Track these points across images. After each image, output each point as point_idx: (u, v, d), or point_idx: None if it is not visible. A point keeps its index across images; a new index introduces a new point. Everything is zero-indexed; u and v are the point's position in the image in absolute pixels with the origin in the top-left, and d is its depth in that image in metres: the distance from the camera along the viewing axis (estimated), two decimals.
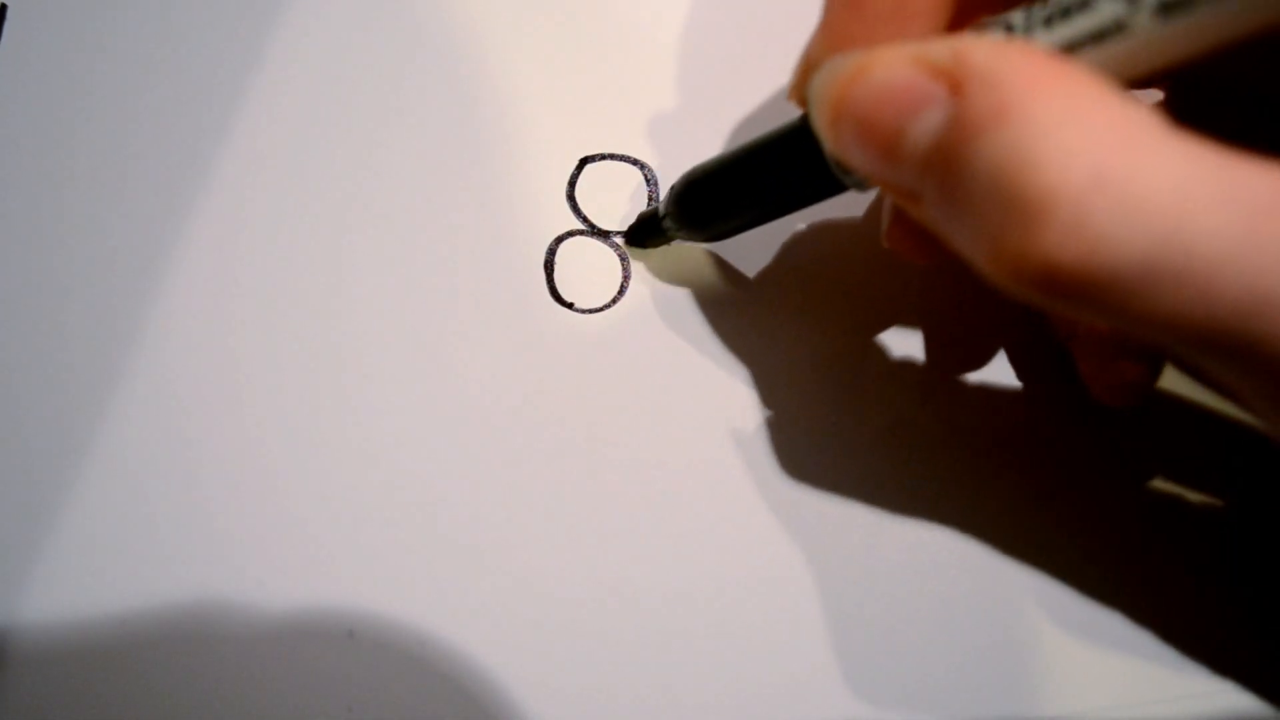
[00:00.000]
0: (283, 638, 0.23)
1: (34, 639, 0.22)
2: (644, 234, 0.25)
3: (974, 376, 0.25)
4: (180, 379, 0.24)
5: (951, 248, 0.15)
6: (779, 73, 0.27)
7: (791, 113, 0.26)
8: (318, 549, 0.23)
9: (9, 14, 0.28)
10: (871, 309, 0.25)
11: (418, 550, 0.23)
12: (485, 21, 0.27)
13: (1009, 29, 0.16)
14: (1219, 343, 0.13)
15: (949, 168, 0.14)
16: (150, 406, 0.24)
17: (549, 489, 0.24)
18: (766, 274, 0.25)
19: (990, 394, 0.25)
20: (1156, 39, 0.14)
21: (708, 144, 0.26)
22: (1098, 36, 0.14)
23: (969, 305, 0.25)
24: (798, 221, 0.26)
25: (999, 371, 0.25)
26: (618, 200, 0.26)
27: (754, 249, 0.25)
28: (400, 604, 0.23)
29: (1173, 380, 0.24)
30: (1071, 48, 0.15)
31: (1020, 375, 0.25)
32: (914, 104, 0.15)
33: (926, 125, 0.15)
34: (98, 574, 0.23)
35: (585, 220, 0.26)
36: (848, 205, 0.26)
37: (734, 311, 0.25)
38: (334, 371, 0.24)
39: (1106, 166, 0.13)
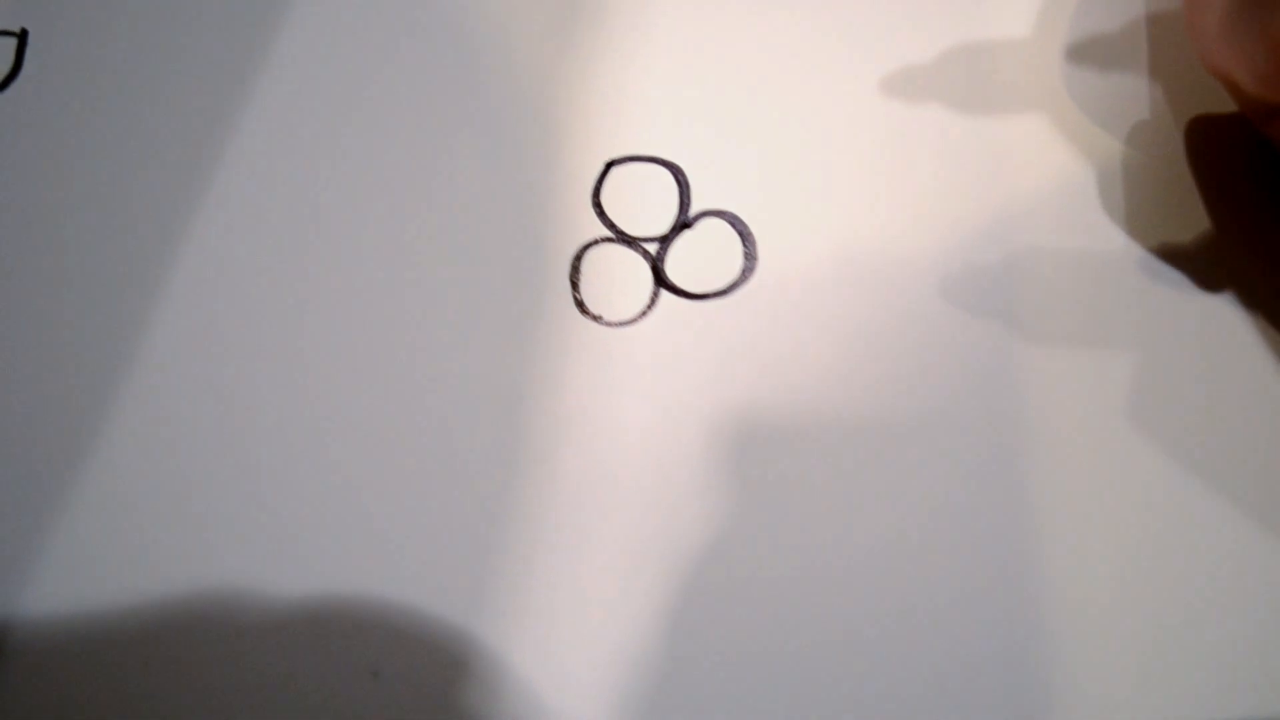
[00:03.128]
0: (285, 630, 0.22)
1: (33, 633, 0.22)
2: None
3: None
4: (183, 376, 0.24)
5: None
6: (812, 68, 0.25)
7: (821, 101, 0.24)
8: (319, 544, 0.22)
9: (30, 38, 0.27)
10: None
11: (426, 548, 0.22)
12: (503, 20, 0.26)
13: None
14: None
15: None
16: (154, 400, 0.23)
17: (581, 512, 0.22)
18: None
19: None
20: None
21: (740, 142, 0.24)
22: None
23: None
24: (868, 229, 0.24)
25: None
26: (647, 205, 0.24)
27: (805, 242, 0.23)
28: (419, 600, 0.21)
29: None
30: None
31: None
32: None
33: None
34: (98, 568, 0.22)
35: (612, 226, 0.24)
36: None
37: (784, 314, 0.23)
38: (342, 386, 0.23)
39: None
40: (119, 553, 0.22)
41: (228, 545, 0.22)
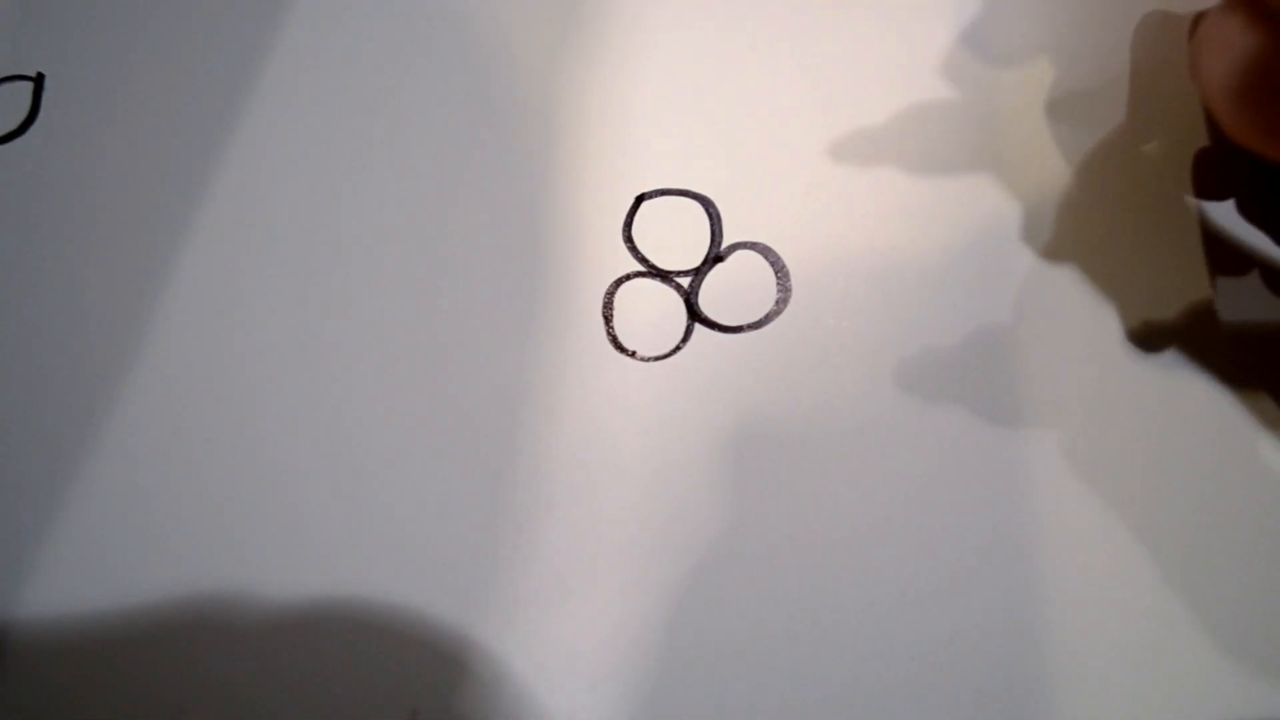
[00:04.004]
0: (289, 631, 0.21)
1: (34, 634, 0.22)
2: None
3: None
4: (187, 375, 0.23)
5: None
6: (840, 98, 0.25)
7: (852, 131, 0.24)
8: (324, 543, 0.22)
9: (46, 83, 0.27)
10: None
11: (438, 556, 0.21)
12: (530, 56, 0.26)
13: None
14: None
15: None
16: (156, 400, 0.23)
17: (614, 547, 0.22)
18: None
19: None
20: None
21: (770, 172, 0.24)
22: None
23: None
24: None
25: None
26: (678, 238, 0.24)
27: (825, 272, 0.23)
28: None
29: None
30: None
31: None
32: None
33: None
34: (98, 569, 0.22)
35: (644, 261, 0.24)
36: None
37: (816, 346, 0.23)
38: (361, 408, 0.23)
39: None
40: (119, 553, 0.22)
41: (228, 546, 0.22)
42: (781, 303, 0.23)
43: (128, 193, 0.25)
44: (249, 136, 0.26)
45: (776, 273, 0.24)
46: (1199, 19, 0.20)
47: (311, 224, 0.25)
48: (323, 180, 0.25)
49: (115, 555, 0.22)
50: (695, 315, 0.23)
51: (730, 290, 0.24)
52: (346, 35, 0.26)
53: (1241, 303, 0.22)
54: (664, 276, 0.24)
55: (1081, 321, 0.23)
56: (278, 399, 0.23)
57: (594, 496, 0.22)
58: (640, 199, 0.24)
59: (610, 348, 0.23)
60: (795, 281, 0.24)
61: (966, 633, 0.21)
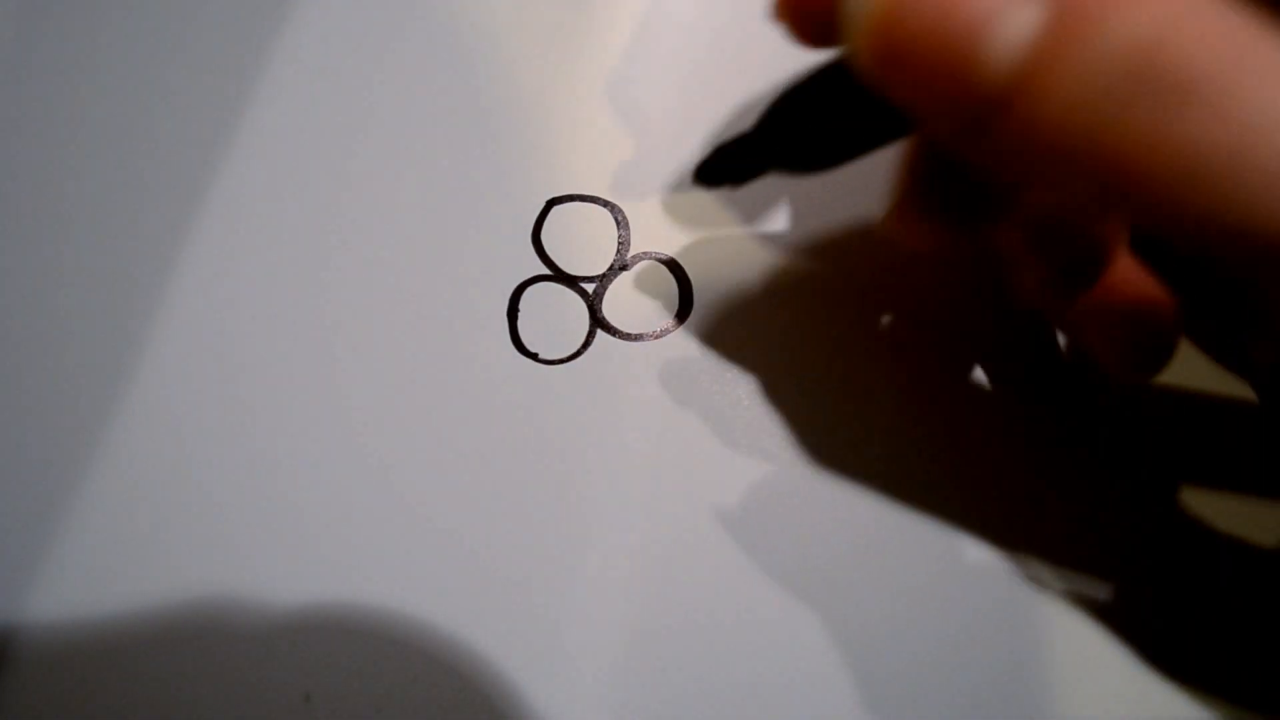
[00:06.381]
0: (289, 634, 0.22)
1: (39, 638, 0.22)
2: (726, 165, 0.20)
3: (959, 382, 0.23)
4: (186, 381, 0.24)
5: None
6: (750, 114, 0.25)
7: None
8: (323, 547, 0.22)
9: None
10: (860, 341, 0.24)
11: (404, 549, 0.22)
12: (446, 60, 0.26)
13: None
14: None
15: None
16: (156, 406, 0.23)
17: (509, 556, 0.22)
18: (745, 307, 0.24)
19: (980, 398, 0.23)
20: None
21: (680, 185, 0.25)
22: None
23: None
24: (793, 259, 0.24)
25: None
26: (587, 244, 0.24)
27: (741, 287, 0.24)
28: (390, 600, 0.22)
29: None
30: None
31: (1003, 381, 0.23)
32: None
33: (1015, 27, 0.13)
34: (102, 574, 0.22)
35: (551, 265, 0.24)
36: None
37: (713, 358, 0.24)
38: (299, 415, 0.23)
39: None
40: (122, 558, 0.22)
41: (229, 551, 0.22)
42: (682, 315, 0.24)
43: (129, 193, 0.25)
44: (201, 112, 0.25)
45: (679, 285, 0.24)
46: None
47: (303, 225, 0.25)
48: (316, 179, 0.25)
49: (119, 560, 0.22)
50: (598, 321, 0.24)
51: (634, 299, 0.24)
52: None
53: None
54: (569, 281, 0.24)
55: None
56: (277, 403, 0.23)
57: (492, 495, 0.23)
58: (551, 203, 0.25)
59: (512, 348, 0.24)
60: (697, 296, 0.24)
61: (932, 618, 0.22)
